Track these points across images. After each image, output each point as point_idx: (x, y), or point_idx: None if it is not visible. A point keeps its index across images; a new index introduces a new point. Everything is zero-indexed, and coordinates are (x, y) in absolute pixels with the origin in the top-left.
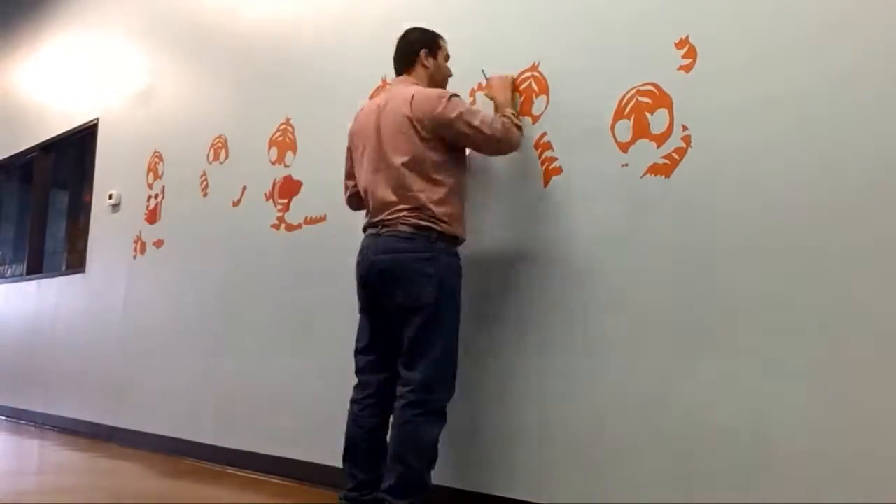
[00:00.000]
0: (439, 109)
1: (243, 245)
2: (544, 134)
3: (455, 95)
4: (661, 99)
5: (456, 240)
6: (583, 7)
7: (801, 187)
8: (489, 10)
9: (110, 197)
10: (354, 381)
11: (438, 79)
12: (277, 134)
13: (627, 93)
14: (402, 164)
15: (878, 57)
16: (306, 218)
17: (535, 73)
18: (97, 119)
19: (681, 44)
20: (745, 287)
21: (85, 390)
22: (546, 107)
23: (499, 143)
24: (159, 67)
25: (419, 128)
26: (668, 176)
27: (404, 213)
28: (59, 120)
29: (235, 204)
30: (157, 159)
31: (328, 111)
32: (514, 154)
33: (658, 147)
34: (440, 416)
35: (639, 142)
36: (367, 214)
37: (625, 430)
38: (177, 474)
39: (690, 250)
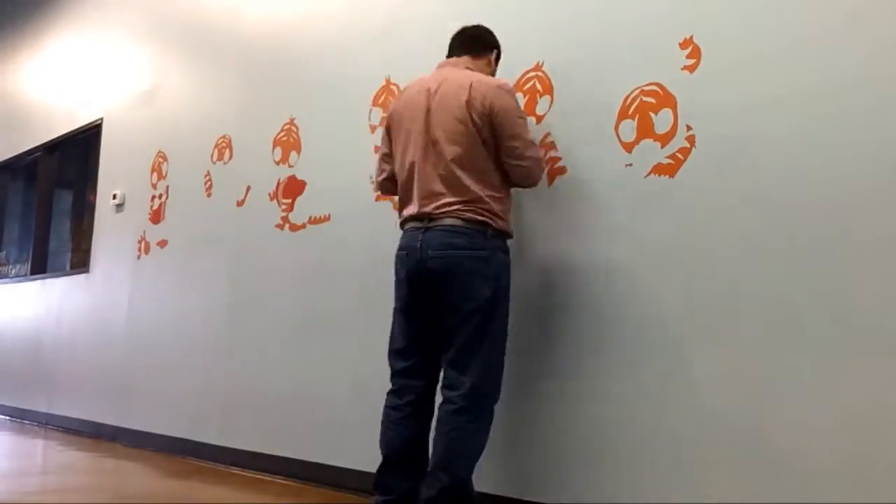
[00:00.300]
0: (499, 98)
1: (247, 245)
2: (548, 134)
3: (514, 92)
4: (665, 99)
5: (508, 236)
6: (587, 7)
7: (805, 187)
8: (493, 10)
9: (114, 197)
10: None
11: None
12: (281, 134)
13: (631, 93)
14: (455, 155)
15: (882, 57)
16: (310, 218)
17: (539, 73)
18: (101, 119)
19: (685, 44)
20: (748, 286)
21: (89, 390)
22: (550, 106)
23: (530, 168)
24: (163, 67)
25: (475, 116)
26: (672, 176)
27: (457, 206)
28: (63, 120)
29: (239, 204)
30: (161, 159)
31: (332, 111)
32: None
33: (662, 147)
34: (489, 422)
35: (643, 142)
36: (403, 205)
37: (626, 429)
38: (181, 474)
39: (694, 250)
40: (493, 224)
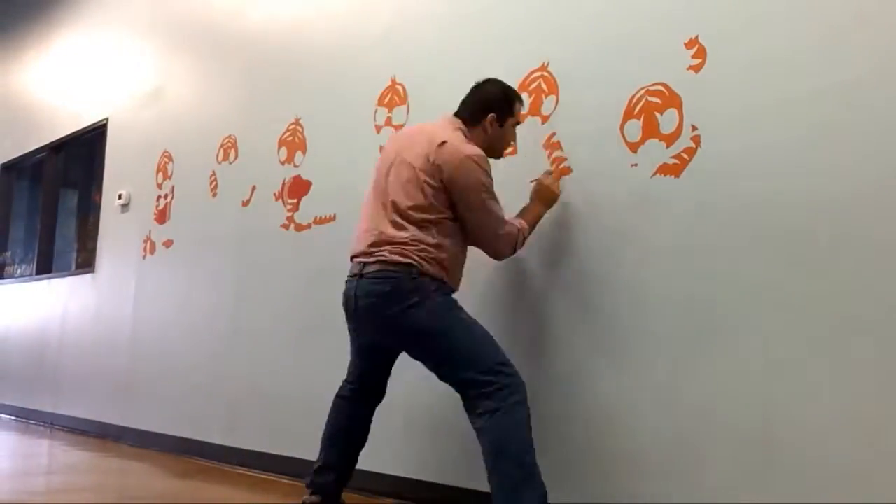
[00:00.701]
0: (463, 169)
1: (253, 245)
2: (553, 133)
3: (486, 164)
4: (670, 99)
5: (443, 283)
6: (592, 7)
7: (810, 187)
8: (499, 10)
9: (120, 197)
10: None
11: (494, 146)
12: (287, 134)
13: (637, 93)
14: (399, 200)
15: (890, 58)
16: (316, 218)
17: (545, 73)
18: (107, 119)
19: (690, 44)
20: (753, 287)
21: (94, 390)
22: (555, 107)
23: (492, 243)
24: (169, 67)
25: (435, 174)
26: (677, 176)
27: (386, 248)
28: (69, 120)
29: (245, 204)
30: (166, 159)
31: (338, 111)
32: (523, 153)
33: (667, 147)
34: (519, 402)
35: (648, 142)
36: (355, 237)
37: (631, 429)
38: (186, 474)
39: (699, 250)
40: (421, 267)
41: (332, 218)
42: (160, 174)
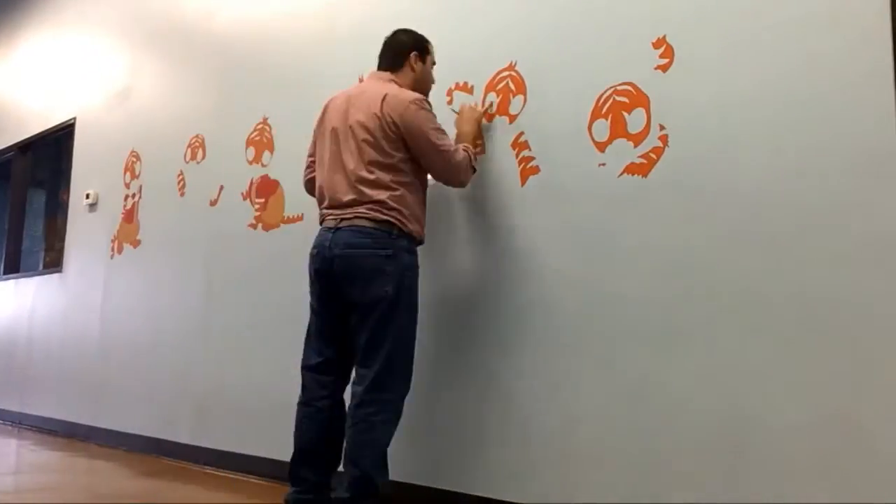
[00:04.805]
0: (410, 115)
1: (221, 245)
2: (521, 133)
3: (428, 104)
4: (638, 98)
5: (414, 239)
6: (560, 6)
7: (779, 186)
8: (467, 9)
9: (87, 196)
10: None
11: (423, 84)
12: (255, 133)
13: (605, 92)
14: (364, 164)
15: (856, 52)
16: (284, 217)
17: (512, 73)
18: (74, 119)
19: (658, 43)
20: (723, 286)
21: (62, 390)
22: (523, 106)
23: (451, 174)
24: (137, 67)
25: (386, 127)
26: (645, 175)
27: (364, 207)
28: (37, 119)
29: (213, 203)
30: (134, 159)
31: (306, 111)
32: (491, 153)
33: (635, 146)
34: (393, 414)
35: (616, 141)
36: (319, 204)
37: (602, 428)
38: (154, 474)
39: (667, 249)
40: (400, 226)
41: (300, 218)
42: (128, 174)
